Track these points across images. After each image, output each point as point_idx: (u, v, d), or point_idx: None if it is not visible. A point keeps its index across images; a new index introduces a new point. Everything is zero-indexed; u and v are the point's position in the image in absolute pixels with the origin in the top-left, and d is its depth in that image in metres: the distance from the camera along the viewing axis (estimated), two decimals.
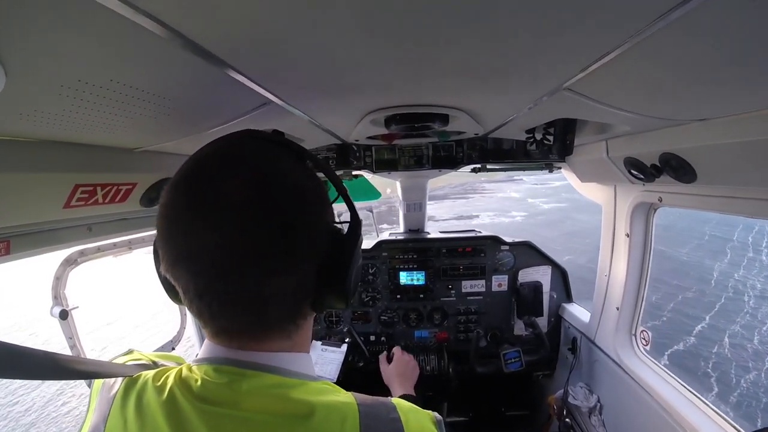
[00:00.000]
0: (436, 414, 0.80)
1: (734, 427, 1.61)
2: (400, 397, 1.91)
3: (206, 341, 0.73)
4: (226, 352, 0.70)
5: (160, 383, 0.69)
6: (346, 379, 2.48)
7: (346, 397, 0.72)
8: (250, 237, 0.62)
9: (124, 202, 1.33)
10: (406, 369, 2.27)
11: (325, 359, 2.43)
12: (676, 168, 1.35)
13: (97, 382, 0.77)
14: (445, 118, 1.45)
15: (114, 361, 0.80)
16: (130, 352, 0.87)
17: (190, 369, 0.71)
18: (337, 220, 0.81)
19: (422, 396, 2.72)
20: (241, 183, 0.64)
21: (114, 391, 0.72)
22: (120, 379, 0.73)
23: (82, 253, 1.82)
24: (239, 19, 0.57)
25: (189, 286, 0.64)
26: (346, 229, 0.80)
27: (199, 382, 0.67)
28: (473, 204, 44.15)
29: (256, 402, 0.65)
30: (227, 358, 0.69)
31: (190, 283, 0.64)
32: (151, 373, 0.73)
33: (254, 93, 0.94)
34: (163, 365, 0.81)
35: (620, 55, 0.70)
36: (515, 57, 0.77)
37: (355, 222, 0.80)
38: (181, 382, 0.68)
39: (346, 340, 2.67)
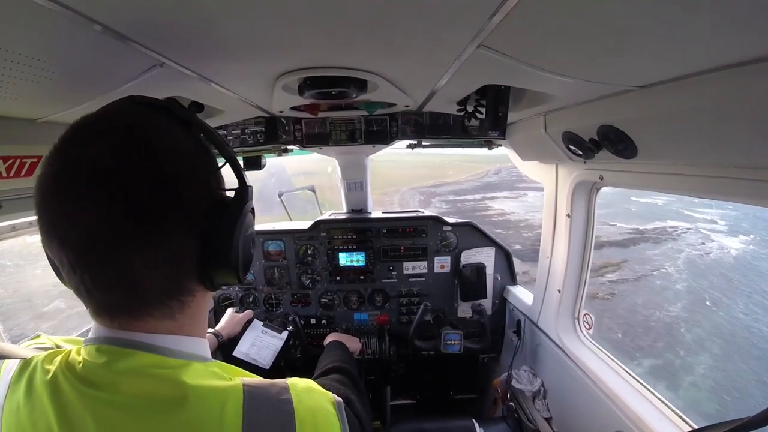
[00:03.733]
0: (336, 396, 0.80)
1: (677, 414, 1.58)
2: (330, 343, 2.03)
3: (92, 321, 0.70)
4: (108, 331, 0.68)
5: (48, 365, 0.68)
6: (280, 368, 2.46)
7: (234, 380, 0.70)
8: (114, 206, 0.59)
9: (31, 176, 1.25)
10: (347, 337, 2.26)
11: (263, 342, 2.31)
12: (615, 142, 1.26)
13: (2, 367, 0.75)
14: (362, 85, 1.34)
15: (19, 345, 0.80)
16: (37, 336, 0.86)
17: (78, 351, 0.69)
18: (226, 187, 0.78)
19: (364, 380, 2.65)
20: (108, 149, 0.61)
21: (11, 374, 0.71)
22: (17, 362, 0.72)
23: None
24: None
25: (62, 260, 0.62)
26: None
27: (81, 364, 0.66)
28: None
29: (133, 384, 0.64)
30: (108, 337, 0.67)
31: (63, 256, 0.61)
32: (43, 354, 0.72)
33: (141, 54, 0.88)
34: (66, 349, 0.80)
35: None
36: (416, 6, 0.70)
37: (242, 188, 0.76)
38: (67, 363, 0.67)
39: (289, 328, 2.54)
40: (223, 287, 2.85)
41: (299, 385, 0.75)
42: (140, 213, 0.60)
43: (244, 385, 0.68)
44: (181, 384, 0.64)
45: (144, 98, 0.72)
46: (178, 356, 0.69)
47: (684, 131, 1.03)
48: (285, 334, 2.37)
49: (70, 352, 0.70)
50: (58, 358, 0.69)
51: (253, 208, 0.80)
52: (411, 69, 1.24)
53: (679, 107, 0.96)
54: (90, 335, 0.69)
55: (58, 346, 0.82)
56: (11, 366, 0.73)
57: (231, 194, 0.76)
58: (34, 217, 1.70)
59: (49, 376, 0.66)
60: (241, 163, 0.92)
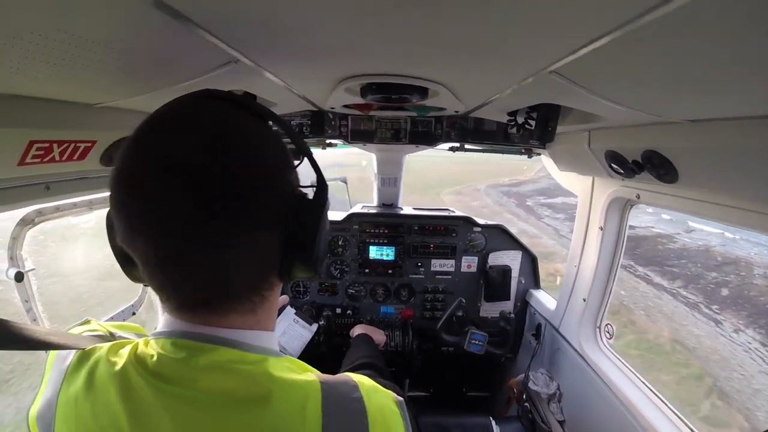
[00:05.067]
0: (397, 395, 0.78)
1: (692, 430, 1.61)
2: (357, 336, 2.11)
3: (166, 314, 0.70)
4: (186, 326, 0.67)
5: (114, 358, 0.67)
6: (304, 359, 2.41)
7: (308, 375, 0.69)
8: (209, 202, 0.58)
9: (83, 160, 1.26)
10: (374, 329, 2.33)
11: (294, 332, 2.36)
12: (657, 166, 1.31)
13: (52, 353, 0.75)
14: (424, 92, 1.38)
15: (69, 332, 0.79)
16: (87, 321, 0.84)
17: (147, 343, 0.69)
18: (302, 184, 0.76)
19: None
20: (197, 144, 0.60)
21: (66, 363, 0.70)
22: (73, 352, 0.71)
23: (39, 212, 1.73)
24: None
25: (149, 257, 0.60)
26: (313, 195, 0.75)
27: (155, 358, 0.65)
28: None
29: (213, 380, 0.63)
30: (186, 332, 0.66)
31: (150, 253, 0.60)
32: (106, 346, 0.71)
33: (219, 50, 0.87)
34: (120, 337, 0.80)
35: (612, 42, 0.64)
36: (502, 31, 0.71)
37: (322, 186, 0.75)
38: (137, 357, 0.66)
39: (320, 322, 2.59)
40: None
41: (366, 384, 0.75)
42: (234, 205, 0.59)
43: (320, 382, 0.68)
44: (263, 381, 0.64)
45: (218, 92, 0.70)
46: (257, 351, 0.69)
47: (729, 167, 1.06)
48: (314, 326, 2.39)
49: (137, 344, 0.70)
50: (124, 351, 0.69)
51: (329, 203, 0.79)
52: (476, 81, 1.26)
53: (728, 144, 0.99)
54: (162, 328, 0.69)
55: (110, 333, 0.81)
56: (64, 355, 0.72)
57: (306, 191, 0.75)
58: (78, 198, 1.74)
59: (117, 368, 0.65)
60: None
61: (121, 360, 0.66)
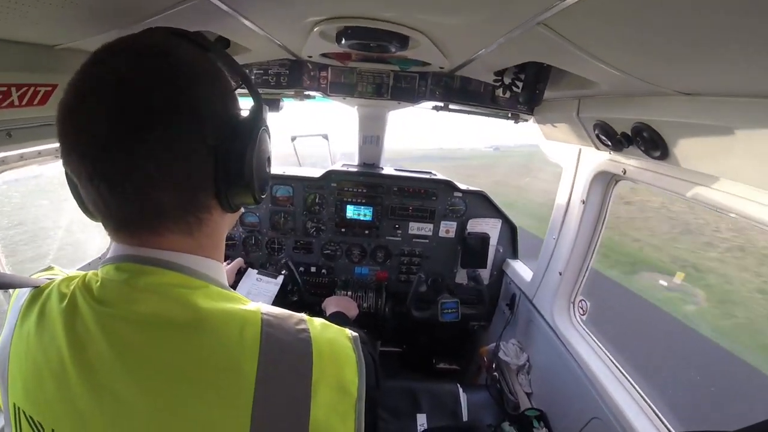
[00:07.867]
0: (351, 331, 0.79)
1: (656, 414, 1.61)
2: (332, 314, 2.00)
3: (112, 242, 0.71)
4: (128, 249, 0.68)
5: (65, 290, 0.69)
6: None
7: (252, 306, 0.71)
8: (131, 112, 0.60)
9: (44, 105, 1.22)
10: (346, 303, 2.26)
11: (259, 289, 2.31)
12: (647, 141, 1.24)
13: (13, 296, 0.77)
14: (404, 41, 1.29)
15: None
16: (50, 268, 0.85)
17: (96, 273, 0.70)
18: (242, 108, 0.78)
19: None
20: (129, 61, 0.63)
21: (21, 301, 0.73)
22: (29, 290, 0.73)
23: (2, 161, 1.65)
24: None
25: (81, 171, 0.62)
26: None
27: (99, 283, 0.67)
28: None
29: (151, 301, 0.64)
30: (128, 255, 0.67)
31: (81, 166, 0.62)
32: (58, 279, 0.73)
33: None
34: None
35: None
36: None
37: (257, 107, 0.76)
38: (84, 285, 0.68)
39: (283, 272, 2.53)
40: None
41: (315, 321, 0.76)
42: (155, 118, 0.61)
43: (262, 312, 0.69)
44: (199, 307, 0.64)
45: (162, 27, 0.74)
46: (200, 277, 0.70)
47: (724, 148, 1.00)
48: (280, 279, 2.37)
49: (86, 274, 0.71)
50: (74, 281, 0.70)
51: (267, 128, 0.80)
52: (460, 33, 1.19)
53: (724, 123, 0.93)
54: (109, 255, 0.70)
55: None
56: (22, 294, 0.74)
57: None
58: (43, 147, 1.66)
59: (66, 301, 0.66)
60: None
61: (69, 290, 0.68)
